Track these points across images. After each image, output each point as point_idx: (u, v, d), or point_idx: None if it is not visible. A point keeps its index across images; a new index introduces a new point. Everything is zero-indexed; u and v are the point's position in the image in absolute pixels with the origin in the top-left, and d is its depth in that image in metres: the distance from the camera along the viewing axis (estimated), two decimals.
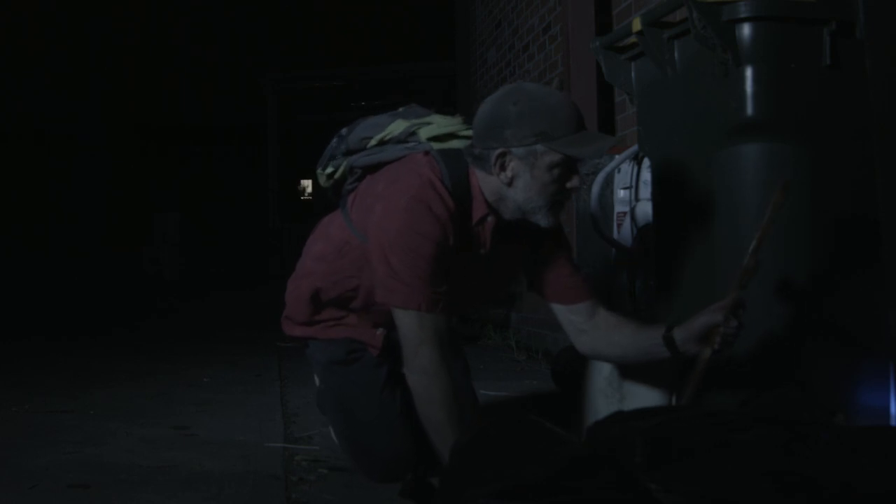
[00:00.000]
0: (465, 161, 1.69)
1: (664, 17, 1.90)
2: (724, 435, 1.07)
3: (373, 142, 1.87)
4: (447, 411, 1.57)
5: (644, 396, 1.84)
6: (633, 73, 2.09)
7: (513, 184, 1.63)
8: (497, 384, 3.01)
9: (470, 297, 1.87)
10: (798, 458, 1.00)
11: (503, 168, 1.62)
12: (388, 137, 1.86)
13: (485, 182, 1.67)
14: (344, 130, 1.96)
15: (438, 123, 1.83)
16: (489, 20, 5.72)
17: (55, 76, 7.24)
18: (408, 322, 1.62)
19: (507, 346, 4.01)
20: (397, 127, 1.86)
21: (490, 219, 1.70)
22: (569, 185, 1.62)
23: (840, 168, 1.74)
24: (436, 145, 1.77)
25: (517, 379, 3.23)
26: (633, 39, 2.00)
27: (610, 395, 1.91)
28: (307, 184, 11.50)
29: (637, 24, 1.93)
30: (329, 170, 1.99)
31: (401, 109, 1.96)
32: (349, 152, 1.93)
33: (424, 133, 1.81)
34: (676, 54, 1.90)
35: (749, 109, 1.69)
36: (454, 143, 1.77)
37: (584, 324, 1.78)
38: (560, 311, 1.81)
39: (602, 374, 1.93)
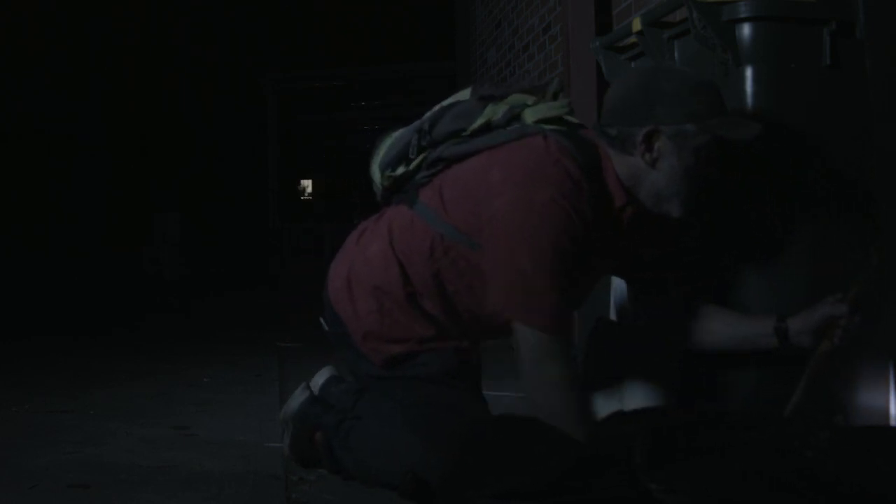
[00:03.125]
0: (591, 142, 1.54)
1: (664, 17, 1.91)
2: (724, 435, 1.07)
3: (466, 131, 1.68)
4: (573, 429, 1.44)
5: (644, 396, 1.84)
6: None
7: (657, 165, 1.50)
8: (497, 384, 3.00)
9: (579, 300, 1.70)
10: (798, 458, 1.00)
11: (649, 148, 1.49)
12: (487, 123, 1.66)
13: (621, 164, 1.53)
14: (425, 125, 1.74)
15: (541, 106, 1.64)
16: (489, 20, 5.72)
17: (55, 76, 7.24)
18: (531, 336, 1.47)
19: (508, 346, 4.01)
20: (495, 111, 1.66)
21: (629, 208, 1.56)
22: (710, 173, 1.50)
23: (840, 168, 1.74)
24: (545, 128, 1.59)
25: (517, 379, 3.22)
26: (633, 39, 2.00)
27: (610, 395, 1.91)
28: (307, 184, 11.50)
29: (637, 24, 1.93)
30: (400, 170, 1.76)
31: (466, 93, 1.76)
32: (433, 145, 1.72)
33: (531, 115, 1.63)
34: (676, 54, 1.90)
35: (749, 109, 1.69)
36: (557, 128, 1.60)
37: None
38: None
39: (602, 374, 1.93)
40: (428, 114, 1.79)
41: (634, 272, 1.76)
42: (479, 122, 1.65)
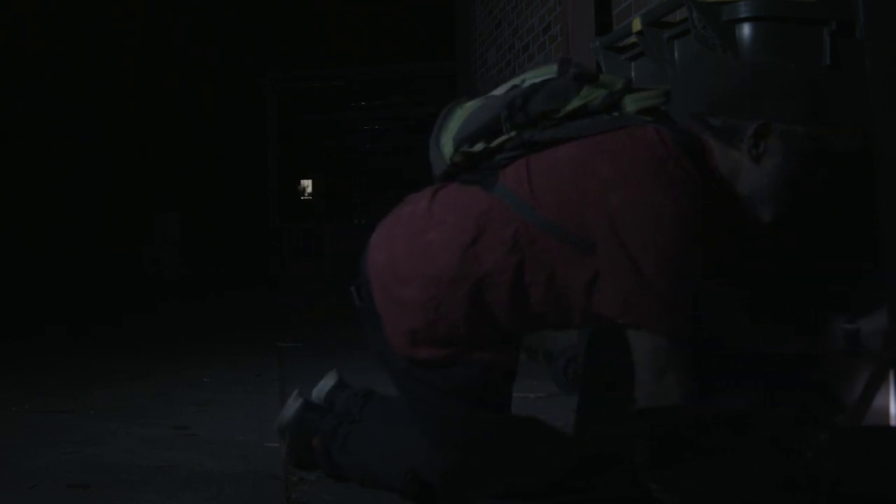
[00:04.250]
0: (695, 135, 1.46)
1: (664, 17, 1.90)
2: (724, 435, 1.07)
3: (559, 113, 1.55)
4: None
5: (644, 397, 1.84)
6: (633, 73, 2.09)
7: (762, 163, 1.41)
8: None
9: None
10: (798, 458, 1.00)
11: (757, 144, 1.40)
12: (584, 107, 1.53)
13: (722, 158, 1.44)
14: (517, 101, 1.57)
15: (642, 94, 1.55)
16: (489, 20, 5.72)
17: (55, 76, 7.24)
18: (653, 343, 1.36)
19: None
20: (592, 95, 1.54)
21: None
22: (809, 180, 1.40)
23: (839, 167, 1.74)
24: (648, 119, 1.50)
25: (517, 379, 3.22)
26: (633, 39, 2.00)
27: (609, 396, 1.91)
28: (307, 184, 11.50)
29: (637, 24, 1.93)
30: (479, 146, 1.59)
31: (553, 68, 1.62)
32: (525, 124, 1.56)
33: (632, 103, 1.53)
34: (676, 54, 1.90)
35: None
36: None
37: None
38: None
39: (601, 374, 1.93)
40: (516, 89, 1.63)
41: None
42: (576, 103, 1.53)
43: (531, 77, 1.66)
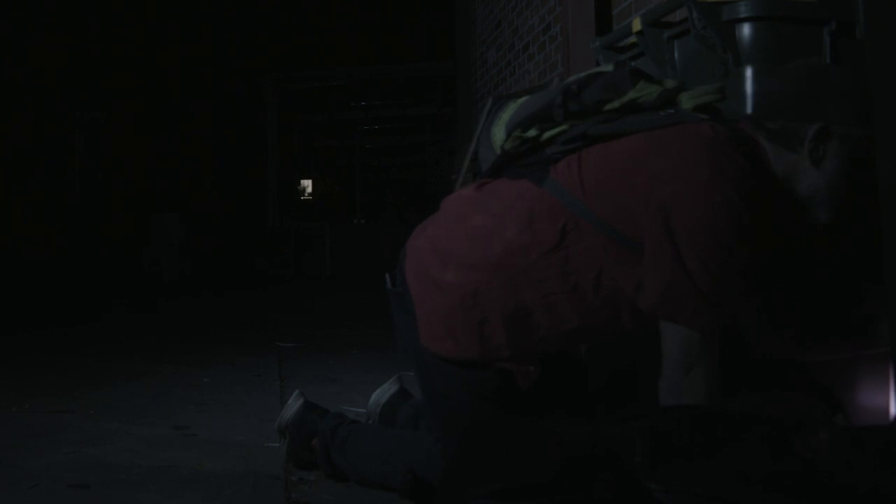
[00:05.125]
0: (749, 136, 1.43)
1: (664, 17, 1.91)
2: (723, 435, 1.07)
3: (614, 104, 1.52)
4: None
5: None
6: None
7: (821, 165, 1.38)
8: None
9: None
10: (798, 458, 1.00)
11: (817, 147, 1.38)
12: (638, 101, 1.51)
13: (778, 160, 1.41)
14: (573, 87, 1.55)
15: (698, 90, 1.54)
16: (489, 20, 5.72)
17: (55, 76, 7.24)
18: (685, 338, 1.34)
19: None
20: (647, 90, 1.52)
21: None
22: (863, 182, 1.36)
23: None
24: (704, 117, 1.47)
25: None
26: (633, 39, 2.00)
27: (608, 396, 1.91)
28: (307, 184, 11.51)
29: (637, 24, 1.93)
30: (532, 133, 1.56)
31: (609, 66, 1.60)
32: (581, 114, 1.53)
33: (688, 100, 1.51)
34: (676, 54, 1.90)
35: (749, 109, 1.69)
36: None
37: None
38: None
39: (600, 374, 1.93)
40: (573, 77, 1.61)
41: None
42: (631, 96, 1.51)
43: (593, 70, 1.64)
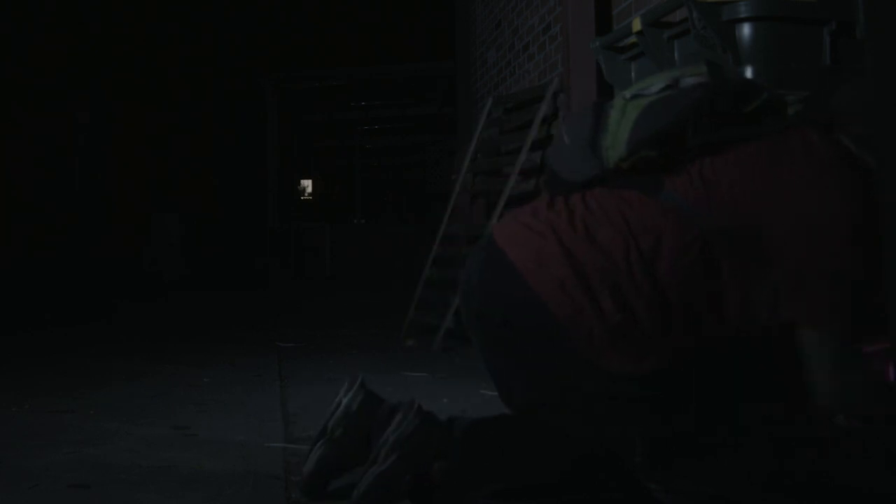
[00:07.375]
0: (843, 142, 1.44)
1: (664, 17, 1.91)
2: (723, 435, 1.07)
3: (741, 113, 1.49)
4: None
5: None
6: (633, 73, 2.10)
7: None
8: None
9: None
10: (798, 458, 1.00)
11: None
12: (758, 108, 1.49)
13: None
14: (704, 104, 1.49)
15: (800, 95, 1.55)
16: (489, 20, 5.72)
17: (55, 76, 7.25)
18: (832, 340, 1.36)
19: None
20: (762, 97, 1.50)
21: None
22: None
23: None
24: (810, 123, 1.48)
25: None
26: (633, 39, 2.00)
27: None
28: (307, 184, 11.50)
29: (637, 24, 1.93)
30: (656, 150, 1.49)
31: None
32: (710, 128, 1.47)
33: (794, 106, 1.54)
34: (676, 54, 1.90)
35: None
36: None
37: None
38: None
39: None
40: (690, 82, 1.55)
41: None
42: (755, 104, 1.48)
43: (685, 75, 1.57)
